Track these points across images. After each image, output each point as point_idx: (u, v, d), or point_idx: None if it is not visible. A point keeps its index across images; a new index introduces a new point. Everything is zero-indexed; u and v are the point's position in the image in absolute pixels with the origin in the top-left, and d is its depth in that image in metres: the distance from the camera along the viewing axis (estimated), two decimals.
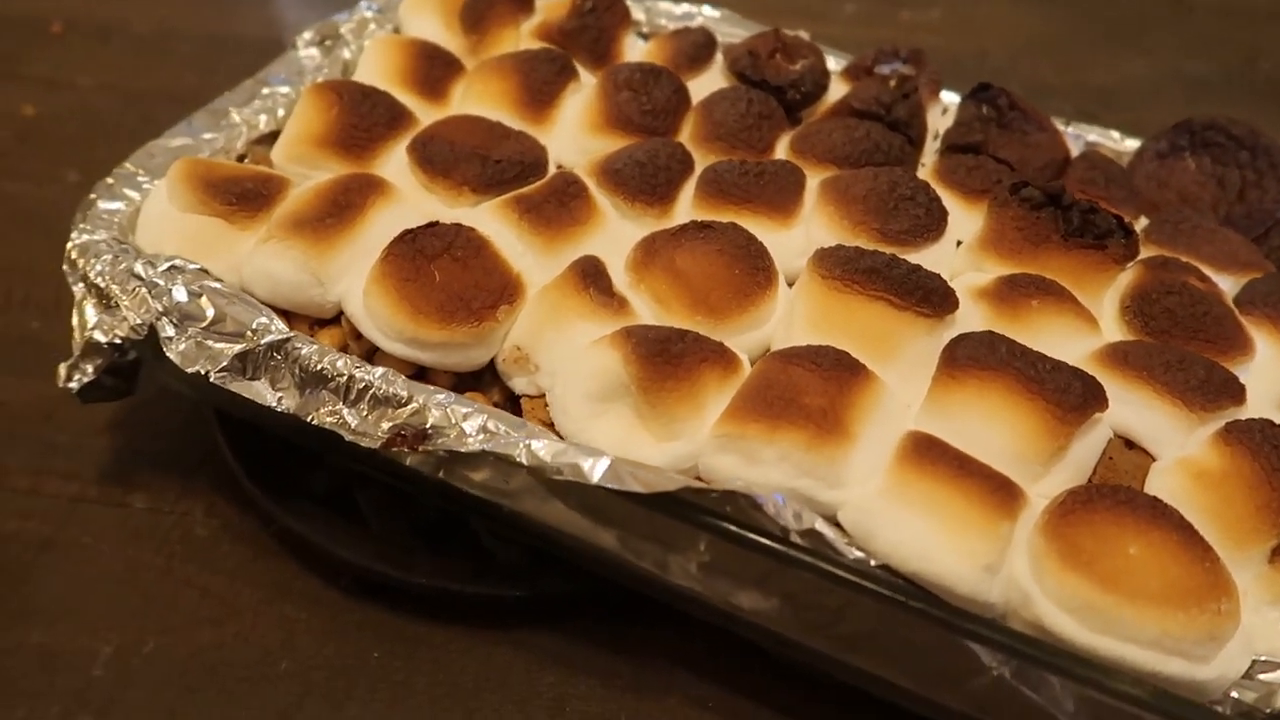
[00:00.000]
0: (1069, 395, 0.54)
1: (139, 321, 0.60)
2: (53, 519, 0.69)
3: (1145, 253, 0.69)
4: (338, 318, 0.63)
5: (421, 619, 0.64)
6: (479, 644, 0.64)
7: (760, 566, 0.52)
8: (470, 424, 0.55)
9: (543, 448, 0.53)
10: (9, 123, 1.06)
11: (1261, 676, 0.50)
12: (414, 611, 0.65)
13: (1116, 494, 0.51)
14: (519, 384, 0.61)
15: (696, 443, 0.55)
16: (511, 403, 0.61)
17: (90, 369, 0.62)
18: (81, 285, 0.63)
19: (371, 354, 0.61)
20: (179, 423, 0.75)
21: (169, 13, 1.24)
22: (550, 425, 0.58)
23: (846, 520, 0.52)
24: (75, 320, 0.63)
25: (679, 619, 0.60)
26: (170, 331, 0.59)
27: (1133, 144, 0.82)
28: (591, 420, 0.56)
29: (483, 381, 0.62)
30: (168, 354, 0.59)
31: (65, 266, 0.64)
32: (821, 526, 0.51)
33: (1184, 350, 0.60)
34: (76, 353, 0.62)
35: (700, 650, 0.63)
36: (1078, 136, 0.83)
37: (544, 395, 0.60)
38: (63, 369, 0.63)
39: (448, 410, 0.55)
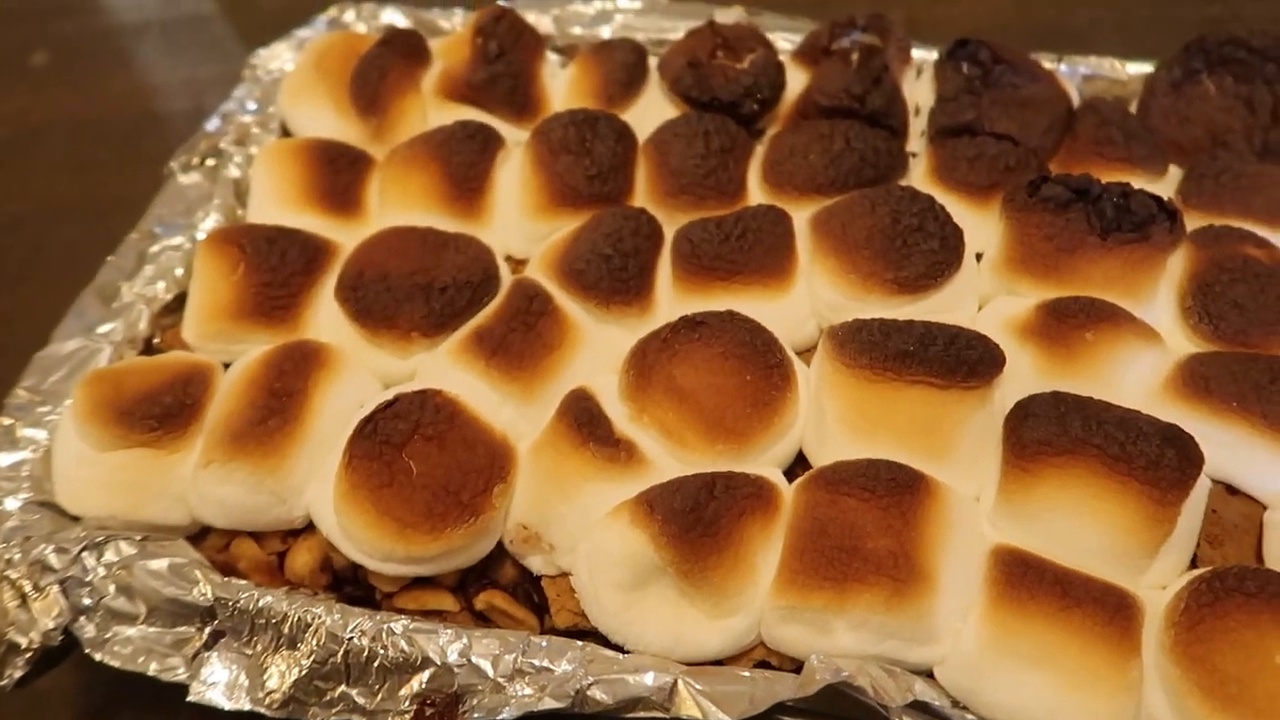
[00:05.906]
0: (1164, 470, 0.47)
1: (51, 627, 0.51)
2: None
3: (1190, 222, 0.61)
4: (312, 524, 0.55)
5: None
6: None
7: None
8: (502, 669, 0.47)
9: (601, 690, 0.46)
10: None
11: None
12: None
13: (1244, 583, 0.44)
14: (535, 564, 0.53)
15: (755, 612, 0.48)
16: (529, 580, 0.54)
17: (21, 664, 0.52)
18: None
19: (356, 567, 0.53)
20: None
21: (29, 104, 1.09)
22: (582, 615, 0.51)
23: (946, 680, 0.45)
24: None
25: None
26: (92, 632, 0.51)
27: (1136, 69, 0.72)
28: (630, 612, 0.49)
29: (491, 565, 0.55)
30: (96, 657, 0.51)
31: None
32: (922, 692, 0.44)
33: (1273, 360, 0.52)
34: (1, 648, 0.53)
35: None
36: (1072, 73, 0.73)
37: (565, 575, 0.52)
38: None
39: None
